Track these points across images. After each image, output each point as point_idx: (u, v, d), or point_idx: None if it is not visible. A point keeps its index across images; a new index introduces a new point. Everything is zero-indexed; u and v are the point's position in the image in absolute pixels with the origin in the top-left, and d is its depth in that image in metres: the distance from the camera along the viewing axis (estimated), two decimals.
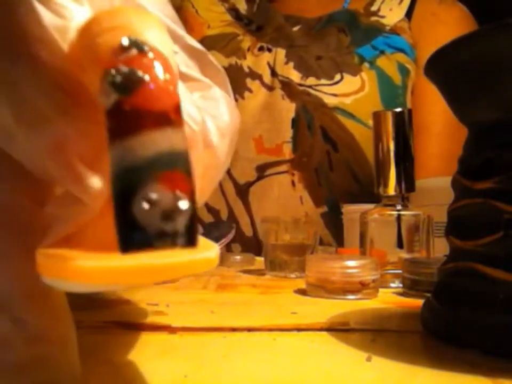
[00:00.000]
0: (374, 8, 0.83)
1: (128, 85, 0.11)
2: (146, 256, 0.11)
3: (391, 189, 0.44)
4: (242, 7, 0.88)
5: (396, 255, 0.43)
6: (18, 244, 0.15)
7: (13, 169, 0.15)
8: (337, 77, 0.75)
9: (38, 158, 0.14)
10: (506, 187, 0.22)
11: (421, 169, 0.61)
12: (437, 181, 0.56)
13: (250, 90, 0.78)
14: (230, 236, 0.55)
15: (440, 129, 0.75)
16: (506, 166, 0.22)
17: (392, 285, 0.42)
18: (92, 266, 0.11)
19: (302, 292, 0.39)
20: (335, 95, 0.74)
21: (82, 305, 0.30)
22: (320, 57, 0.77)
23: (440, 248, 0.39)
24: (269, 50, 0.80)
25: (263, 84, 0.78)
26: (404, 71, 0.78)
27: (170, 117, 0.12)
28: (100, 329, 0.26)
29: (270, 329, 0.26)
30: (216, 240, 0.52)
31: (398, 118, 0.44)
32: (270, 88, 0.77)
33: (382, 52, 0.78)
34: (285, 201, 0.74)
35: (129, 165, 0.11)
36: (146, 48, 0.12)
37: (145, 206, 0.11)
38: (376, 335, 0.25)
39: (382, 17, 0.82)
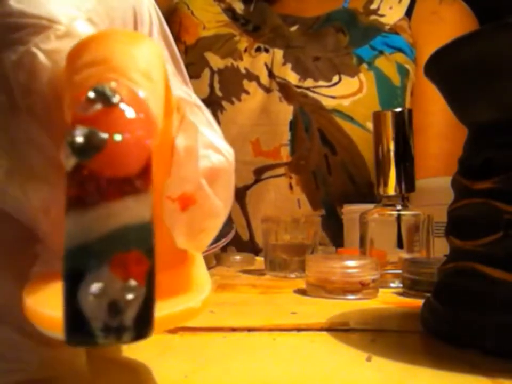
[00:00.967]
0: (373, 6, 0.82)
1: (87, 148, 0.10)
2: None
3: (391, 189, 0.44)
4: (239, 7, 0.87)
5: (396, 255, 0.43)
6: (13, 259, 0.15)
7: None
8: (335, 78, 0.74)
9: (31, 212, 0.13)
10: (506, 187, 0.22)
11: (420, 170, 0.61)
12: (437, 181, 0.56)
13: (247, 92, 0.77)
14: (230, 235, 0.55)
15: (439, 130, 0.75)
16: (506, 166, 0.22)
17: (392, 285, 0.42)
18: (50, 316, 0.11)
19: (302, 292, 0.39)
20: (333, 97, 0.73)
21: None
22: (317, 58, 0.76)
23: (440, 248, 0.39)
24: (266, 51, 0.79)
25: (260, 85, 0.77)
26: (403, 71, 0.77)
27: (134, 184, 0.10)
28: None
29: (270, 329, 0.26)
30: (217, 240, 0.52)
31: (398, 118, 0.44)
32: (268, 90, 0.76)
33: (381, 52, 0.77)
34: (281, 204, 0.73)
35: (81, 243, 0.10)
36: (115, 98, 0.11)
37: (91, 296, 0.10)
38: (376, 335, 0.25)
39: (382, 16, 0.81)
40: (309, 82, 0.74)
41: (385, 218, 0.44)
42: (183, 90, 0.17)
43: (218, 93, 0.78)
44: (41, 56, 0.13)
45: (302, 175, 0.74)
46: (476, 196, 0.23)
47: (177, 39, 0.83)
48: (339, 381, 0.19)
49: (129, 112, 0.11)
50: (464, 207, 0.25)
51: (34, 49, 0.13)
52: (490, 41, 0.22)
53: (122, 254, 0.10)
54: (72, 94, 0.11)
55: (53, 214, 0.13)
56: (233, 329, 0.26)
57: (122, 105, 0.11)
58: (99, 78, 0.11)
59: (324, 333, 0.26)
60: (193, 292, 0.14)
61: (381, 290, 0.38)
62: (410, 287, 0.37)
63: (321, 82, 0.74)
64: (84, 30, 0.13)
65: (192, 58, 0.81)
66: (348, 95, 0.73)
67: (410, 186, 0.44)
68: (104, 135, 0.10)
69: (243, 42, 0.81)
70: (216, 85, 0.78)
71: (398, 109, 0.45)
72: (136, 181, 0.10)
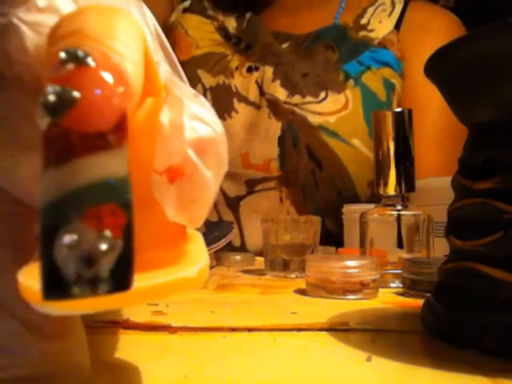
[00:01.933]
0: (363, 21, 0.84)
1: (59, 106, 0.10)
2: None
3: (391, 189, 0.44)
4: (232, 25, 0.89)
5: (396, 255, 0.43)
6: (17, 251, 0.15)
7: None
8: (322, 94, 0.76)
9: (23, 183, 0.14)
10: (506, 187, 0.22)
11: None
12: (437, 181, 0.56)
13: (236, 111, 0.79)
14: (230, 235, 0.55)
15: (429, 140, 0.75)
16: (506, 166, 0.22)
17: (392, 285, 0.42)
18: (38, 290, 0.11)
19: (302, 292, 0.39)
20: (319, 113, 0.75)
21: None
22: (306, 74, 0.78)
23: (440, 248, 0.39)
24: (257, 69, 0.81)
25: (248, 103, 0.79)
26: (388, 86, 0.79)
27: (107, 139, 0.11)
28: (99, 329, 0.26)
29: (270, 329, 0.26)
30: (217, 239, 0.52)
31: (398, 118, 0.44)
32: (258, 107, 0.79)
33: (368, 68, 0.79)
34: (273, 215, 0.77)
35: (55, 199, 0.10)
36: (88, 60, 0.11)
37: (65, 248, 0.10)
38: (376, 335, 0.25)
39: (371, 31, 0.83)
40: (296, 99, 0.77)
41: (385, 218, 0.44)
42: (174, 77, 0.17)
43: None
44: (24, 28, 0.13)
45: (291, 188, 0.76)
46: (476, 195, 0.23)
47: None
48: (339, 381, 0.19)
49: (101, 72, 0.11)
50: (464, 207, 0.25)
51: (16, 21, 0.13)
52: (490, 41, 0.22)
53: (96, 207, 0.10)
54: (48, 63, 0.12)
55: None
56: (233, 329, 0.26)
57: (94, 65, 0.11)
58: (71, 45, 0.11)
59: (324, 333, 0.26)
60: (189, 264, 0.15)
61: (381, 290, 0.38)
62: (410, 287, 0.37)
63: (308, 99, 0.76)
64: (64, 5, 0.14)
65: (186, 75, 0.82)
66: (334, 111, 0.76)
67: (410, 186, 0.44)
68: (75, 93, 0.10)
69: (235, 61, 0.83)
70: (209, 102, 0.80)
71: (398, 109, 0.45)
72: (109, 137, 0.11)
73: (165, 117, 0.15)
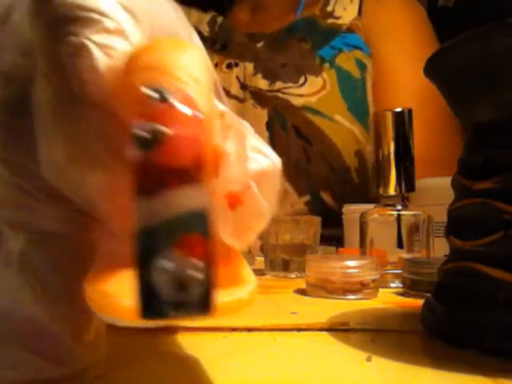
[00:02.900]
0: (329, 8, 0.89)
1: (150, 141, 0.11)
2: None
3: (391, 189, 0.44)
4: (204, 29, 0.93)
5: (396, 255, 0.43)
6: (76, 256, 0.16)
7: (56, 197, 0.16)
8: (301, 79, 0.82)
9: (89, 196, 0.14)
10: (506, 187, 0.22)
11: None
12: (437, 181, 0.56)
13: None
14: None
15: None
16: (506, 166, 0.22)
17: (392, 285, 0.42)
18: (130, 307, 0.12)
19: (302, 292, 0.39)
20: (301, 95, 0.81)
21: None
22: (285, 64, 0.84)
23: (440, 248, 0.39)
24: (236, 65, 0.86)
25: (230, 96, 0.83)
26: (361, 65, 0.85)
27: (190, 174, 0.11)
28: None
29: (270, 329, 0.26)
30: None
31: (398, 118, 0.44)
32: (241, 100, 0.83)
33: (340, 50, 0.84)
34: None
35: (150, 226, 0.11)
36: (170, 96, 0.12)
37: (162, 273, 0.11)
38: (376, 335, 0.25)
39: (338, 18, 0.88)
40: (278, 85, 0.82)
41: (385, 218, 0.44)
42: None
43: None
44: (95, 49, 0.13)
45: (285, 167, 0.77)
46: (476, 195, 0.23)
47: None
48: (339, 381, 0.19)
49: (183, 109, 0.12)
50: (464, 207, 0.25)
51: (88, 42, 0.13)
52: (490, 41, 0.22)
53: (186, 236, 0.11)
54: (128, 92, 0.12)
55: (113, 197, 0.14)
56: (233, 329, 0.26)
57: (176, 103, 0.12)
58: (153, 80, 0.12)
59: (324, 333, 0.26)
60: (241, 285, 0.15)
61: (381, 290, 0.38)
62: (410, 287, 0.37)
63: (289, 84, 0.82)
64: (129, 28, 0.14)
65: None
66: (314, 92, 0.81)
67: (410, 186, 0.44)
68: (164, 129, 0.11)
69: (214, 59, 0.87)
70: None
71: (398, 109, 0.45)
72: (193, 172, 0.11)
73: (230, 145, 0.16)
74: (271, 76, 0.83)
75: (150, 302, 0.11)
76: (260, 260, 0.59)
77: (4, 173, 0.16)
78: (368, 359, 0.21)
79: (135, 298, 0.11)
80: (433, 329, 0.25)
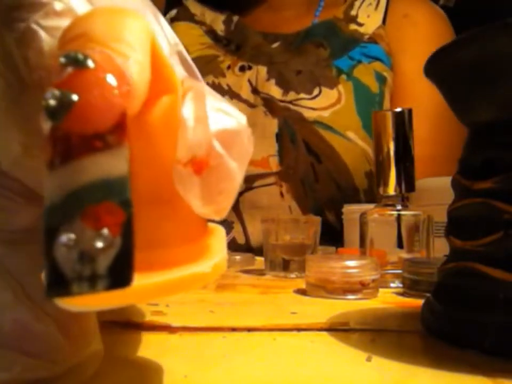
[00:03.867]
0: (353, 12, 0.86)
1: (58, 109, 0.11)
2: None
3: (391, 189, 0.44)
4: (220, 28, 0.91)
5: (396, 255, 0.43)
6: None
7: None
8: (316, 91, 0.78)
9: None
10: (506, 187, 0.22)
11: None
12: (437, 181, 0.56)
13: None
14: (230, 236, 0.55)
15: (422, 134, 0.76)
16: (506, 166, 0.22)
17: (392, 285, 0.42)
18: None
19: (302, 292, 0.39)
20: (313, 108, 0.77)
21: None
22: (299, 71, 0.80)
23: (440, 248, 0.39)
24: (250, 68, 0.82)
25: (241, 101, 0.80)
26: (380, 78, 0.81)
27: (105, 139, 0.11)
28: (100, 329, 0.26)
29: (270, 329, 0.26)
30: None
31: (398, 118, 0.44)
32: (252, 106, 0.80)
33: (359, 62, 0.81)
34: (274, 211, 0.76)
35: (57, 200, 0.10)
36: (87, 62, 0.11)
37: (63, 247, 0.10)
38: (376, 335, 0.25)
39: (361, 25, 0.84)
40: (291, 96, 0.78)
41: (385, 218, 0.44)
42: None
43: None
44: (42, 33, 0.13)
45: (291, 183, 0.77)
46: (476, 195, 0.23)
47: None
48: (339, 381, 0.19)
49: (100, 73, 0.11)
50: (464, 207, 0.25)
51: (35, 26, 0.13)
52: (490, 41, 0.22)
53: (93, 206, 0.10)
54: (52, 65, 0.12)
55: None
56: (233, 329, 0.26)
57: (93, 67, 0.11)
58: (75, 48, 0.12)
59: (324, 333, 0.26)
60: (205, 259, 0.15)
61: (381, 290, 0.38)
62: (410, 287, 0.37)
63: (302, 95, 0.78)
64: (81, 7, 0.14)
65: None
66: (327, 106, 0.77)
67: (410, 186, 0.44)
68: (73, 95, 0.11)
69: (226, 61, 0.84)
70: None
71: (398, 109, 0.45)
72: (108, 137, 0.11)
73: (187, 109, 0.15)
74: (284, 84, 0.79)
75: (54, 280, 0.10)
76: (259, 259, 0.59)
77: None
78: (368, 359, 0.21)
79: (43, 277, 0.10)
80: (433, 329, 0.25)
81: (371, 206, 0.47)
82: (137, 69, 0.12)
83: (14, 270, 0.16)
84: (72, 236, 0.10)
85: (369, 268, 0.37)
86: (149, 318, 0.28)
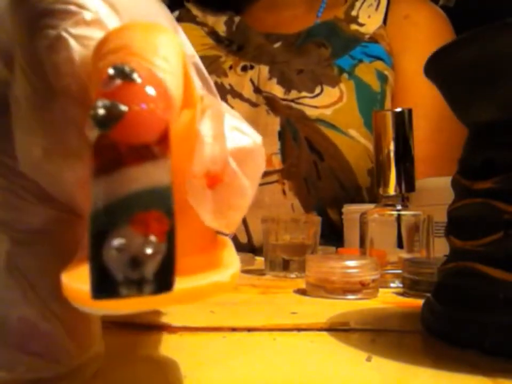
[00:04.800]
0: (354, 12, 0.86)
1: (107, 119, 0.11)
2: None
3: (391, 189, 0.44)
4: (221, 29, 0.91)
5: (396, 255, 0.43)
6: (58, 253, 0.16)
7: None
8: (317, 89, 0.79)
9: (67, 188, 0.14)
10: (506, 187, 0.22)
11: None
12: (437, 181, 0.56)
13: (231, 107, 0.81)
14: (230, 236, 0.55)
15: (423, 134, 0.76)
16: (506, 166, 0.22)
17: (392, 285, 0.42)
18: (85, 291, 0.11)
19: (302, 292, 0.39)
20: (315, 107, 0.77)
21: None
22: (301, 70, 0.80)
23: (440, 248, 0.39)
24: (252, 67, 0.83)
25: (243, 100, 0.80)
26: (382, 77, 0.81)
27: (151, 150, 0.11)
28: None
29: (270, 329, 0.26)
30: None
31: (398, 118, 0.44)
32: (254, 105, 0.80)
33: (360, 61, 0.81)
34: (276, 209, 0.76)
35: (104, 205, 0.11)
36: (134, 76, 0.12)
37: (114, 251, 0.11)
38: (376, 335, 0.25)
39: (362, 25, 0.85)
40: (293, 94, 0.78)
41: (385, 218, 0.44)
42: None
43: None
44: (72, 41, 0.13)
45: (294, 181, 0.77)
46: (476, 195, 0.23)
47: None
48: (339, 381, 0.19)
49: (147, 87, 0.12)
50: (464, 207, 0.25)
51: (65, 34, 0.13)
52: (490, 41, 0.22)
53: (142, 213, 0.11)
54: (97, 77, 0.12)
55: (87, 189, 0.14)
56: (233, 329, 0.26)
57: (140, 81, 0.12)
58: (119, 61, 0.12)
59: (324, 333, 0.26)
60: (222, 269, 0.15)
61: (381, 290, 0.38)
62: (410, 287, 0.37)
63: (304, 94, 0.78)
64: (108, 18, 0.14)
65: None
66: (329, 104, 0.78)
67: (410, 186, 0.44)
68: (123, 107, 0.11)
69: (228, 61, 0.85)
70: None
71: (398, 109, 0.45)
72: (154, 148, 0.11)
73: (206, 126, 0.15)
74: (286, 83, 0.79)
75: (102, 282, 0.11)
76: (259, 259, 0.59)
77: None
78: (368, 359, 0.21)
79: (89, 278, 0.11)
80: (433, 329, 0.25)
81: (371, 206, 0.47)
82: (174, 83, 0.12)
83: (24, 269, 0.16)
84: (123, 240, 0.11)
85: (369, 267, 0.37)
86: (149, 318, 0.28)
